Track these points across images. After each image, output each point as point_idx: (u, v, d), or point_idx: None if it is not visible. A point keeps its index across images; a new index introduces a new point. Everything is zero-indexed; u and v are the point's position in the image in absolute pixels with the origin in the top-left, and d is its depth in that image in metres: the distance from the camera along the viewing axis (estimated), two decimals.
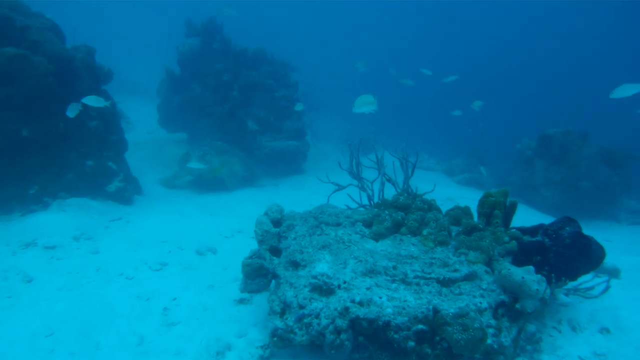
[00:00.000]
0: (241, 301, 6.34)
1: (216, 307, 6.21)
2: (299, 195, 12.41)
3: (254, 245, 8.32)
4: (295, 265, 5.37)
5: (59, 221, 8.70)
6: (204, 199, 11.67)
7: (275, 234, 6.12)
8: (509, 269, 5.14)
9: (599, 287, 6.37)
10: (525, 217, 12.69)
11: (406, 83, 15.97)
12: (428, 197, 6.85)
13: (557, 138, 14.74)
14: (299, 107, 13.04)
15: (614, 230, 13.85)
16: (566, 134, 14.71)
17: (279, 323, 4.84)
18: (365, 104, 8.31)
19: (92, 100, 8.72)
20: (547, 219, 13.17)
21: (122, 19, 46.46)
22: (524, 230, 6.26)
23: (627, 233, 13.47)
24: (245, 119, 14.33)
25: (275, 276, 5.43)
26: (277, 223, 6.33)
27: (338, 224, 6.19)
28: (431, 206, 6.60)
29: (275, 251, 6.09)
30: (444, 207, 6.97)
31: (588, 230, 6.32)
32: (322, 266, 5.17)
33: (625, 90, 9.07)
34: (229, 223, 9.60)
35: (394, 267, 5.22)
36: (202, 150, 12.12)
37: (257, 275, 5.42)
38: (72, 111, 8.62)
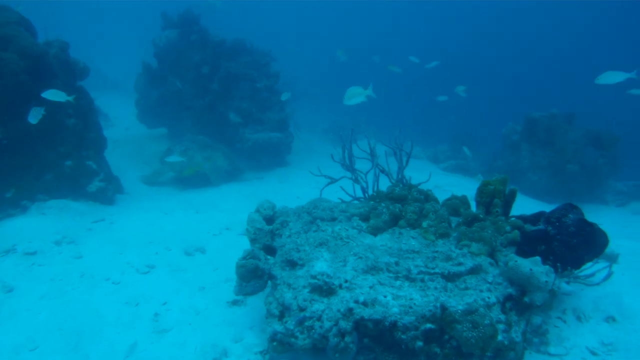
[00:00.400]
0: (235, 303, 6.09)
1: (209, 310, 5.94)
2: (285, 188, 12.15)
3: (243, 242, 8.08)
4: (292, 264, 5.12)
5: (39, 225, 8.33)
6: (187, 195, 11.35)
7: (268, 232, 5.86)
8: (515, 261, 4.94)
9: (599, 274, 6.21)
10: (515, 202, 12.57)
11: (394, 70, 15.73)
12: (424, 186, 6.64)
13: (543, 122, 14.64)
14: (284, 96, 12.72)
15: (602, 212, 13.82)
16: (551, 118, 14.61)
17: (278, 327, 4.59)
18: (355, 96, 8.14)
19: (52, 95, 8.23)
20: (536, 204, 13.11)
21: (97, 12, 45.47)
22: (524, 219, 6.09)
23: (616, 215, 13.45)
24: (226, 111, 13.98)
25: (271, 277, 5.18)
26: (269, 220, 6.07)
27: (333, 219, 5.95)
28: (428, 197, 6.40)
29: (269, 250, 5.84)
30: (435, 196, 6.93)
31: None
32: (321, 265, 4.93)
33: (609, 78, 9.53)
34: (216, 220, 9.31)
35: (396, 263, 4.99)
36: (184, 146, 11.79)
37: (252, 277, 5.16)
38: (34, 117, 8.05)
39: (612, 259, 7.63)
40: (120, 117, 19.27)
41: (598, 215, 13.21)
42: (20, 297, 6.12)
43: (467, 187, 14.30)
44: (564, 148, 14.33)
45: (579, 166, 14.12)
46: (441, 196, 6.62)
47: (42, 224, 8.41)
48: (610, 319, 5.76)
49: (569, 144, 14.37)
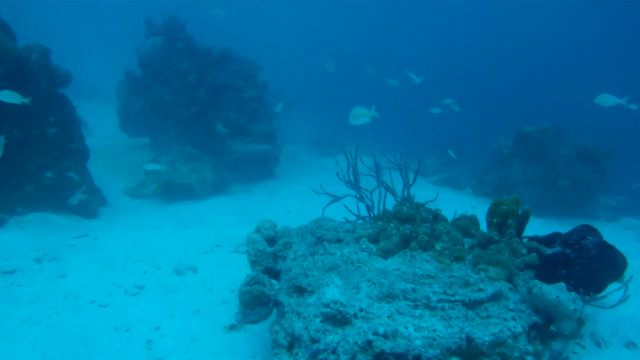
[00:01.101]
0: (232, 327, 5.71)
1: (206, 337, 5.54)
2: (274, 202, 11.75)
3: (236, 261, 7.68)
4: (300, 290, 4.74)
5: (18, 240, 7.82)
6: (174, 208, 10.88)
7: (270, 254, 5.47)
8: (540, 288, 4.63)
9: (612, 296, 5.94)
10: None
11: (392, 83, 15.45)
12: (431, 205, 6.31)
13: (534, 136, 14.48)
14: (278, 108, 12.36)
15: None
16: (542, 132, 14.47)
17: (287, 359, 4.20)
18: (360, 116, 8.25)
19: (6, 96, 7.67)
20: (530, 220, 12.89)
21: (73, 15, 44.57)
22: (537, 240, 5.81)
23: (608, 231, 13.26)
24: (213, 122, 13.54)
25: (277, 304, 4.79)
26: (271, 241, 5.69)
27: (339, 240, 5.58)
28: (437, 216, 6.08)
29: (272, 273, 5.45)
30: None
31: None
32: (333, 292, 4.56)
33: (605, 100, 10.64)
34: (205, 236, 8.88)
35: (414, 290, 4.64)
36: (171, 157, 11.31)
37: (257, 304, 4.76)
38: None
39: (624, 279, 7.37)
40: (100, 126, 18.67)
41: None
42: None
43: (457, 201, 14.07)
44: (555, 162, 14.17)
45: (570, 181, 13.97)
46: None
47: (20, 239, 7.90)
48: (631, 344, 5.51)
49: (560, 158, 14.22)
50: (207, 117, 13.70)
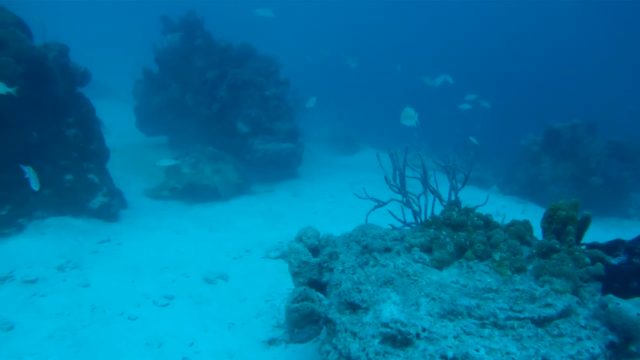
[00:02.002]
0: (271, 342, 5.30)
1: (244, 353, 5.14)
2: (299, 203, 11.35)
3: (268, 267, 7.28)
4: (353, 307, 4.33)
5: (39, 247, 7.47)
6: (197, 210, 10.51)
7: (315, 265, 5.06)
8: (617, 304, 4.18)
9: None
10: (536, 216, 11.87)
11: (427, 82, 14.95)
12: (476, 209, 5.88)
13: (565, 132, 14.00)
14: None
15: (626, 227, 13.17)
16: (573, 128, 13.98)
17: None
18: (408, 118, 8.64)
19: None
20: None
21: (86, 14, 44.30)
22: (598, 248, 5.36)
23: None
24: (234, 120, 13.14)
25: (327, 321, 4.38)
26: (314, 251, 5.27)
27: (387, 249, 5.16)
28: (489, 222, 5.63)
29: (317, 286, 5.05)
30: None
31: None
32: (391, 309, 4.15)
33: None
34: (233, 240, 8.50)
35: (478, 306, 4.22)
36: (194, 157, 10.95)
37: (307, 323, 4.37)
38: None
39: None
40: (115, 124, 18.32)
41: (623, 231, 12.56)
42: (23, 337, 5.27)
43: (483, 200, 13.58)
44: (586, 160, 13.69)
45: (603, 178, 13.48)
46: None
47: (41, 245, 7.55)
48: None
49: (591, 155, 13.73)
50: (228, 115, 13.32)
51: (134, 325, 5.58)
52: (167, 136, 15.44)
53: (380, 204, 6.43)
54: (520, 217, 6.49)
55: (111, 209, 9.39)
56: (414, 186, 6.44)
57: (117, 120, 18.79)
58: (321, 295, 4.72)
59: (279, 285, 6.74)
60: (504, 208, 12.94)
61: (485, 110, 16.62)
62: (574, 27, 41.36)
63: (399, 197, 6.46)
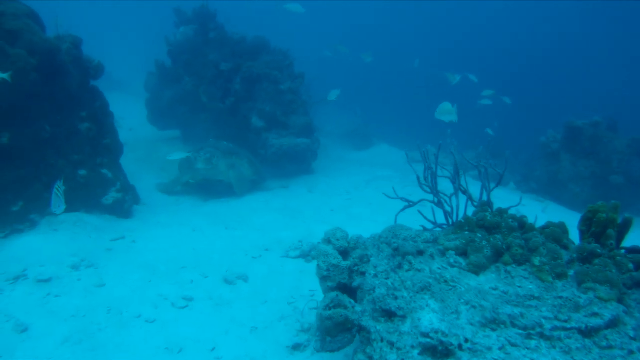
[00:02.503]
0: (296, 348, 5.08)
1: (268, 359, 4.89)
2: (315, 199, 11.09)
3: (289, 267, 7.05)
4: (389, 315, 4.09)
5: (52, 244, 7.26)
6: (211, 207, 10.28)
7: (345, 269, 4.81)
8: None
9: None
10: (557, 215, 11.59)
11: (451, 79, 14.63)
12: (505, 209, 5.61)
13: (586, 130, 13.66)
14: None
15: None
16: (595, 125, 13.65)
17: None
18: (446, 113, 8.31)
19: None
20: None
21: (97, 6, 44.03)
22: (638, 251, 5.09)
23: None
24: (248, 114, 12.88)
25: (361, 329, 4.15)
26: (344, 253, 5.02)
27: (420, 252, 4.90)
28: (523, 224, 5.35)
29: (346, 290, 4.80)
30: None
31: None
32: (430, 317, 3.90)
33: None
34: (250, 238, 8.26)
35: (522, 315, 3.97)
36: (208, 153, 10.71)
37: (340, 331, 4.11)
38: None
39: None
40: (126, 118, 18.12)
41: None
42: (38, 341, 5.06)
43: (505, 199, 13.29)
44: (608, 158, 13.36)
45: (624, 177, 13.14)
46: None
47: (55, 242, 7.34)
48: None
49: (613, 153, 13.40)
50: (242, 109, 13.06)
51: (152, 329, 5.36)
52: (180, 130, 15.22)
53: (410, 204, 6.17)
54: (541, 217, 6.24)
55: (125, 205, 9.18)
56: (442, 185, 6.18)
57: (127, 113, 18.59)
58: (353, 302, 4.46)
59: (301, 286, 6.51)
60: (524, 207, 12.64)
61: (502, 107, 16.32)
62: (595, 22, 40.64)
63: (429, 196, 6.20)
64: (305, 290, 6.37)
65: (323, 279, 4.88)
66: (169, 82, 14.51)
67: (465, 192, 6.07)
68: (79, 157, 8.75)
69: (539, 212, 12.51)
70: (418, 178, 5.87)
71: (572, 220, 6.25)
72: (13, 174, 7.76)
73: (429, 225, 5.96)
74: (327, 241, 5.05)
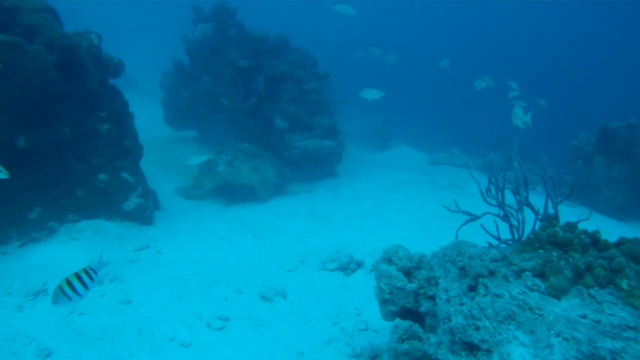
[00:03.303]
0: None
1: None
2: (343, 205, 10.54)
3: (327, 281, 6.54)
4: (470, 348, 3.56)
5: (72, 255, 6.77)
6: (235, 212, 9.78)
7: (410, 292, 4.28)
8: None
9: None
10: (590, 222, 11.02)
11: (485, 81, 14.07)
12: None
13: (621, 132, 13.05)
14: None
15: None
16: (630, 128, 13.04)
17: None
18: (518, 118, 8.27)
19: None
20: (614, 224, 11.57)
21: (111, 3, 43.48)
22: None
23: None
24: (271, 115, 12.36)
25: None
26: (407, 273, 4.49)
27: (491, 273, 4.37)
28: (596, 240, 4.80)
29: (410, 315, 4.27)
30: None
31: None
32: (520, 352, 3.39)
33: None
34: (281, 248, 7.75)
35: (624, 350, 3.42)
36: (230, 155, 10.19)
37: None
38: None
39: None
40: (140, 118, 17.58)
41: None
42: None
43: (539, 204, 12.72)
44: None
45: None
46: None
47: (74, 252, 6.85)
48: None
49: None
50: (264, 109, 12.53)
51: (188, 354, 4.84)
52: (197, 131, 14.74)
53: (473, 217, 5.62)
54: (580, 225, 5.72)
55: (146, 211, 8.69)
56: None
57: (141, 114, 18.05)
58: (422, 330, 3.94)
59: (343, 303, 5.99)
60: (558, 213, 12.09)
61: (533, 109, 15.75)
62: (630, 23, 39.66)
63: (492, 209, 5.66)
64: (349, 308, 5.85)
65: (384, 302, 4.35)
66: (186, 82, 14.03)
67: (528, 205, 5.53)
68: (99, 161, 8.27)
69: (574, 218, 11.96)
70: (482, 192, 5.31)
71: (608, 227, 5.71)
72: (30, 178, 7.28)
73: (489, 239, 5.41)
74: (388, 260, 4.51)
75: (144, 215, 8.62)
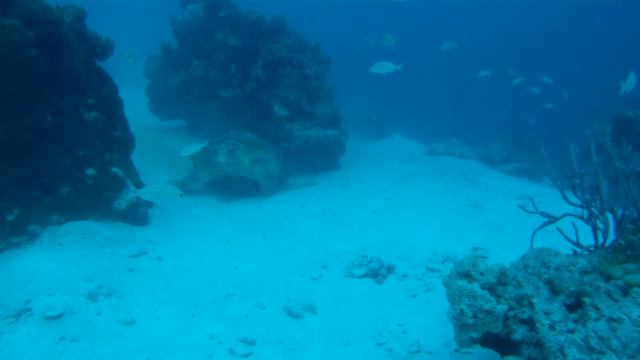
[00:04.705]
0: None
1: None
2: (353, 200, 9.65)
3: (358, 291, 5.68)
4: None
5: (58, 264, 5.75)
6: (237, 210, 8.84)
7: (500, 316, 3.41)
8: None
9: None
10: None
11: (510, 73, 13.31)
12: None
13: (637, 122, 12.36)
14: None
15: None
16: None
17: None
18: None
19: None
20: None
21: None
22: None
23: None
24: (270, 102, 11.39)
25: None
26: (490, 290, 3.63)
27: (585, 294, 3.54)
28: None
29: (496, 343, 3.42)
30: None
31: None
32: None
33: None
34: (298, 252, 6.84)
35: None
36: (230, 145, 9.19)
37: None
38: None
39: None
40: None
41: None
42: None
43: (552, 197, 11.98)
44: None
45: None
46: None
47: (62, 262, 5.82)
48: None
49: None
50: (262, 96, 11.56)
51: None
52: (185, 120, 13.71)
53: (551, 219, 4.78)
54: None
55: (140, 210, 7.71)
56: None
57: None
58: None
59: (383, 318, 5.12)
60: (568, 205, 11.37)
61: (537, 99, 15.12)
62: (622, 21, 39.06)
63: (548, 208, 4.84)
64: (391, 324, 4.98)
65: (464, 327, 3.48)
66: (175, 67, 12.98)
67: (601, 202, 4.69)
68: (86, 153, 7.25)
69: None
70: (561, 190, 4.47)
71: None
72: (6, 174, 6.25)
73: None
74: (466, 275, 3.64)
75: (137, 215, 7.64)
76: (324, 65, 11.88)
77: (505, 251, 7.00)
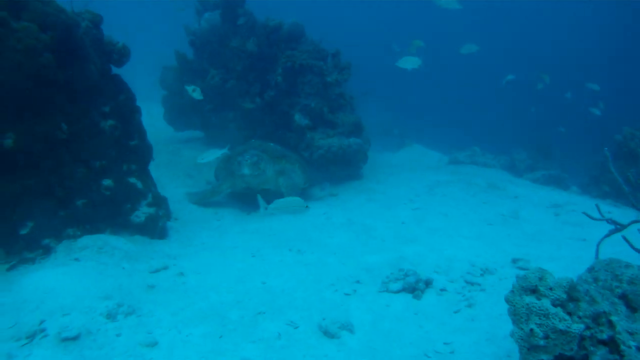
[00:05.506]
0: None
1: None
2: (378, 211, 9.23)
3: (396, 307, 5.26)
4: None
5: (75, 281, 5.40)
6: (261, 222, 8.45)
7: (576, 336, 2.98)
8: None
9: None
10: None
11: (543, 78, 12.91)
12: None
13: None
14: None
15: None
16: None
17: None
18: None
19: None
20: None
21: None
22: None
23: None
24: (290, 111, 11.04)
25: None
26: (562, 306, 3.19)
27: None
28: None
29: None
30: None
31: None
32: None
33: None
34: (328, 266, 6.42)
35: None
36: (255, 156, 8.82)
37: None
38: None
39: None
40: None
41: None
42: None
43: (584, 205, 11.46)
44: None
45: None
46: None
47: (78, 279, 5.47)
48: None
49: None
50: (282, 105, 11.21)
51: None
52: (202, 131, 13.40)
53: (618, 227, 4.36)
54: None
55: (159, 223, 7.35)
56: None
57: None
58: None
59: (428, 337, 4.68)
60: (609, 214, 10.86)
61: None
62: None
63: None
64: (437, 344, 4.55)
65: (532, 349, 3.05)
66: (192, 77, 12.67)
67: None
68: (102, 164, 6.90)
69: (622, 219, 10.74)
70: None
71: None
72: (20, 186, 5.91)
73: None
74: (532, 290, 3.20)
75: (156, 228, 7.28)
76: (345, 72, 11.52)
77: (548, 262, 6.55)
